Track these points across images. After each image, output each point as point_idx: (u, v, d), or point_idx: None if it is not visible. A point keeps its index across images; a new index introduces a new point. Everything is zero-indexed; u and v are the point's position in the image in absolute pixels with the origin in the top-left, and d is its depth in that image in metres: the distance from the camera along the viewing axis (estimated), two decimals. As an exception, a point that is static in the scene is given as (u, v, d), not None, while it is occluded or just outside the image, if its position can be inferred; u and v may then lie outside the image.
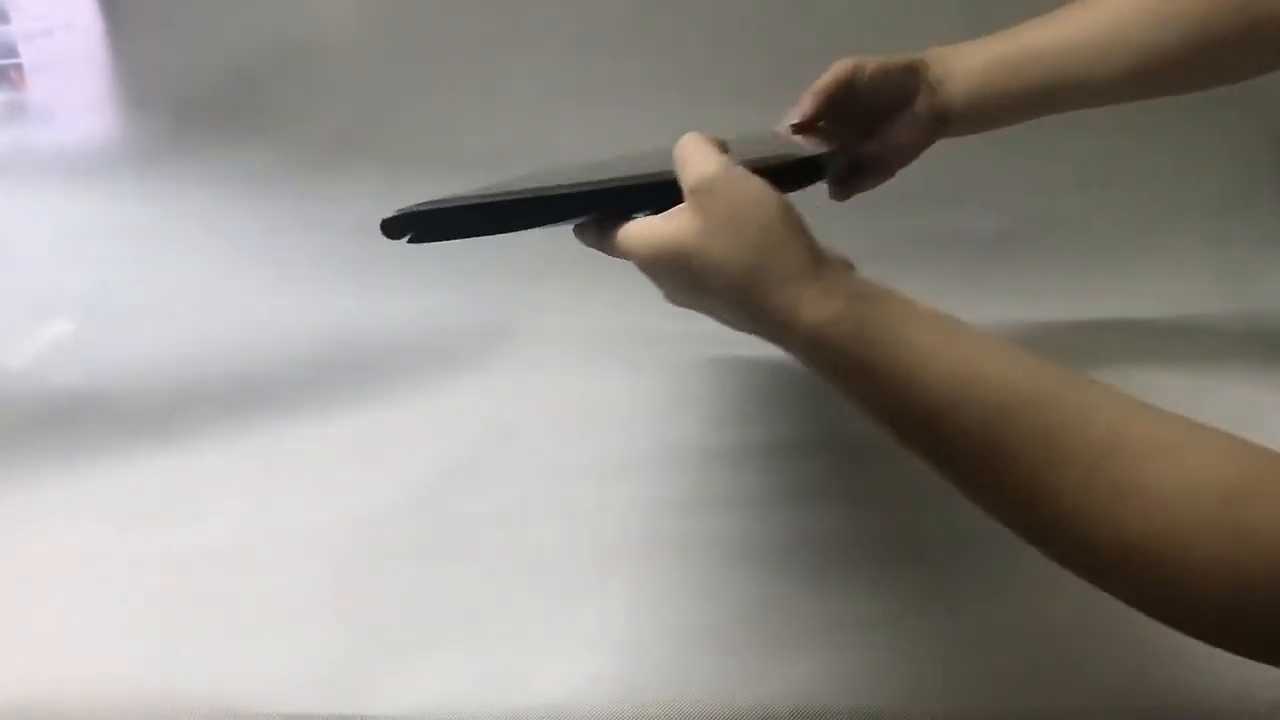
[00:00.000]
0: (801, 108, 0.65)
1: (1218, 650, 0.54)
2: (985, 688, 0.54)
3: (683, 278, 0.46)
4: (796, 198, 0.49)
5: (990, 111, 0.67)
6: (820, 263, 0.44)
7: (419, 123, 0.91)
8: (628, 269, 0.49)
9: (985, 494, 0.41)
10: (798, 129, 0.65)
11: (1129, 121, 0.90)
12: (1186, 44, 0.64)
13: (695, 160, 0.45)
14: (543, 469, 0.72)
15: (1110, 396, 0.40)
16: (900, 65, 0.65)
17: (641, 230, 0.47)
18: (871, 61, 0.65)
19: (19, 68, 0.94)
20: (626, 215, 0.48)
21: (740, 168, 0.45)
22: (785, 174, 0.52)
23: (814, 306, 0.43)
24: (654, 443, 0.74)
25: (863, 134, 0.67)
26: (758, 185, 0.45)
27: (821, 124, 0.66)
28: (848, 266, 0.46)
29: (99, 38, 0.92)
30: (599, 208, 0.49)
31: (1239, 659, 0.53)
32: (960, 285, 0.91)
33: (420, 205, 0.49)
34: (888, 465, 0.71)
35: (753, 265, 0.43)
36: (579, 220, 0.51)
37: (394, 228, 0.49)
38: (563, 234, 0.49)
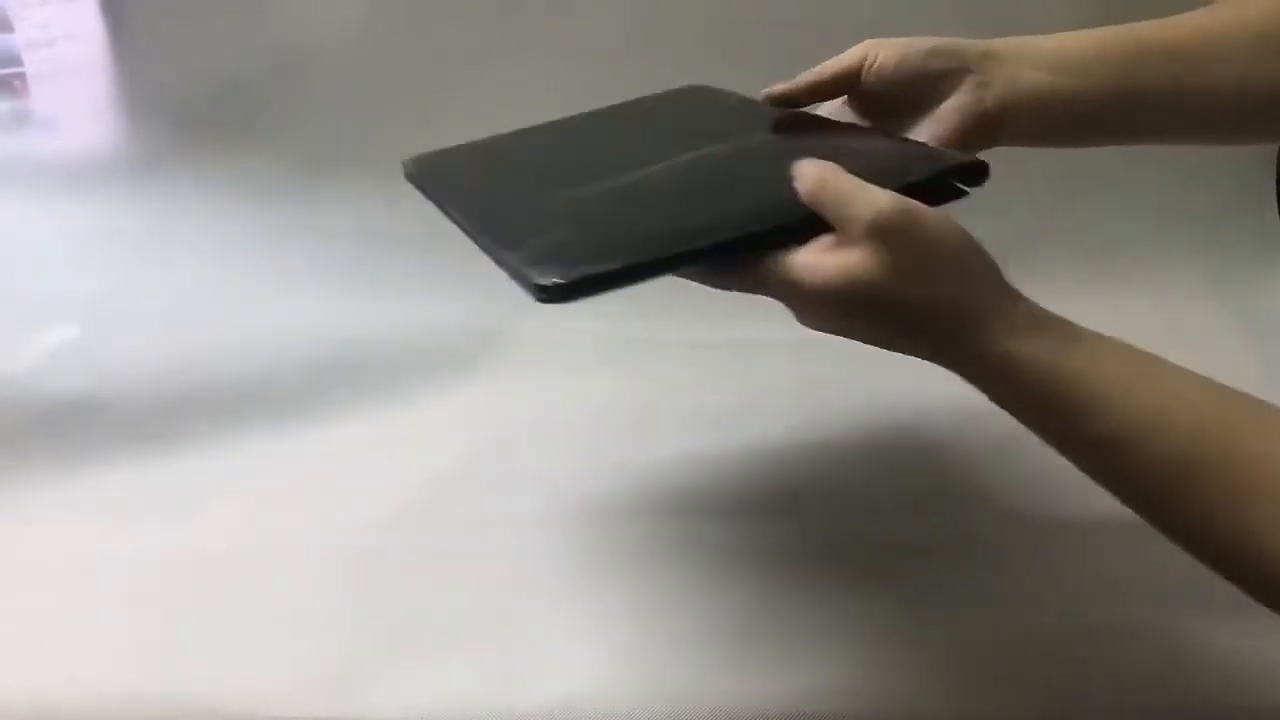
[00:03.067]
0: (788, 85, 0.58)
1: (1214, 652, 0.55)
2: (980, 691, 0.55)
3: (858, 310, 0.44)
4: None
5: (1058, 119, 0.54)
6: (1007, 293, 0.44)
7: (416, 130, 0.91)
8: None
9: (1172, 522, 0.41)
10: (774, 101, 0.59)
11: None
12: None
13: (863, 198, 0.43)
14: (539, 474, 0.72)
15: None
16: (926, 53, 0.55)
17: (811, 264, 0.44)
18: (888, 51, 0.56)
19: (22, 76, 0.95)
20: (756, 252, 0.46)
21: (912, 200, 0.43)
22: (932, 188, 0.47)
23: (1005, 339, 0.42)
24: (648, 448, 0.74)
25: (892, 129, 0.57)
26: (944, 220, 0.43)
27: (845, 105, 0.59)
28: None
29: (101, 47, 0.93)
30: (736, 253, 0.46)
31: (1237, 661, 0.54)
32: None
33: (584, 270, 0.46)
34: (883, 470, 0.72)
35: (950, 304, 0.43)
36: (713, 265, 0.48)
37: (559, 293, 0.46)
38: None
